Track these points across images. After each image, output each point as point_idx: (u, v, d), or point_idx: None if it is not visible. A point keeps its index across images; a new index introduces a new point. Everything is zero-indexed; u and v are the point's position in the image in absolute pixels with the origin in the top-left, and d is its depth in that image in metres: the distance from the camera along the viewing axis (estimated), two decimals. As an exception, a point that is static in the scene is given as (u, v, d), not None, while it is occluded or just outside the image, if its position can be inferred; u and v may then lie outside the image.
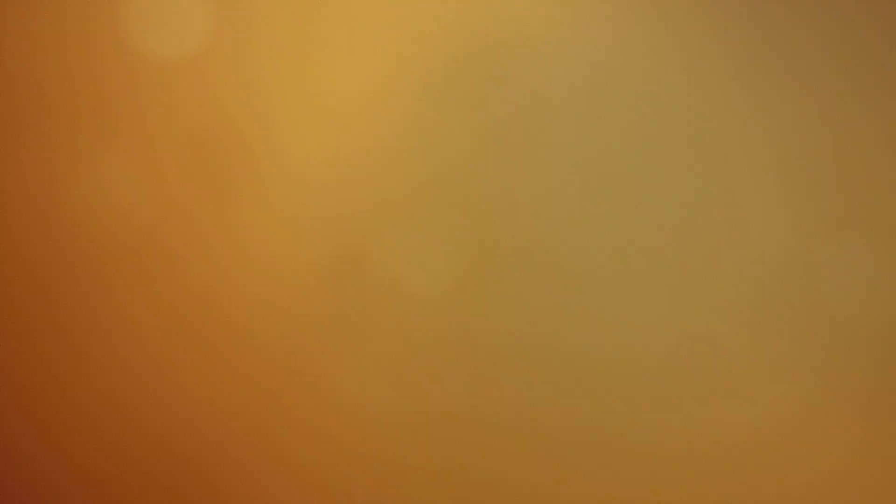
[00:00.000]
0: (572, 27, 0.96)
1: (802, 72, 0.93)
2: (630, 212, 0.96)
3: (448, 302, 1.00)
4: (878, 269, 0.93)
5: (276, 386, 1.04)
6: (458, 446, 1.01)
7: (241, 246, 1.03)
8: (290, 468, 1.04)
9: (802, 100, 0.93)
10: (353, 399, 1.02)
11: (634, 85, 0.96)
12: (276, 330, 1.03)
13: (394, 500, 1.01)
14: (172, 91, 1.03)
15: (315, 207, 1.01)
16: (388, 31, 0.99)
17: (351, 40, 0.99)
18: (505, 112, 0.97)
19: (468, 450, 1.01)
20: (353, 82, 1.00)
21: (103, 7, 1.04)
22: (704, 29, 0.95)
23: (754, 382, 0.96)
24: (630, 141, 0.97)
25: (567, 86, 0.97)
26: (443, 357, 1.00)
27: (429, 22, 0.98)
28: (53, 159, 1.06)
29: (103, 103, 1.05)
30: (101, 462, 1.08)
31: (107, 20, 1.04)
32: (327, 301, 1.02)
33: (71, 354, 1.08)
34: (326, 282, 1.02)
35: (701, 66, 0.95)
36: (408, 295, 1.00)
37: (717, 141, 0.95)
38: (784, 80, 0.93)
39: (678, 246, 0.96)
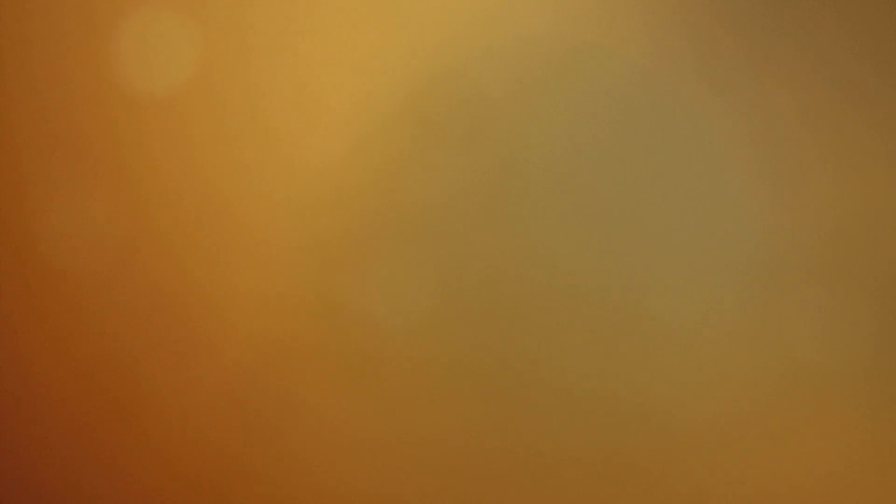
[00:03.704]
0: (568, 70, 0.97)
1: (788, 83, 0.94)
2: (620, 241, 0.97)
3: (434, 330, 1.00)
4: (876, 274, 0.93)
5: (262, 413, 1.03)
6: (441, 472, 1.01)
7: (218, 278, 1.03)
8: (283, 476, 1.04)
9: (792, 116, 0.94)
10: (340, 427, 1.02)
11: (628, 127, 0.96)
12: (257, 359, 1.03)
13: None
14: (148, 128, 1.04)
15: (290, 242, 1.02)
16: (371, 68, 1.00)
17: (331, 76, 1.01)
18: (495, 148, 0.98)
19: (451, 475, 1.01)
20: (331, 120, 1.01)
21: (82, 41, 1.05)
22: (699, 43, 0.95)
23: (747, 387, 0.96)
24: (622, 180, 0.97)
25: (558, 129, 0.97)
26: (426, 386, 1.01)
27: (413, 60, 1.00)
28: (30, 189, 1.06)
29: (78, 137, 1.05)
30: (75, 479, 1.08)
31: (85, 55, 1.05)
32: (309, 331, 1.02)
33: (42, 384, 1.08)
34: (307, 312, 1.02)
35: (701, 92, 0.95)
36: (391, 324, 1.00)
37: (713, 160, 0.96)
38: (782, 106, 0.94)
39: (671, 268, 0.96)
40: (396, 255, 1.00)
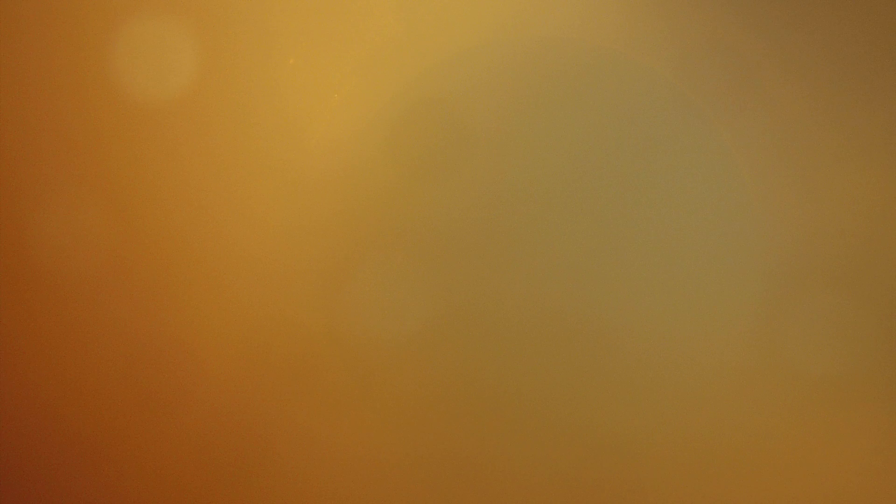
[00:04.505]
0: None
1: (802, 78, 0.93)
2: (625, 248, 0.97)
3: (426, 350, 1.00)
4: (876, 268, 0.92)
5: (255, 429, 1.03)
6: (437, 488, 1.02)
7: (210, 292, 1.03)
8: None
9: (804, 110, 0.93)
10: (332, 443, 1.02)
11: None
12: (249, 374, 1.03)
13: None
14: (140, 141, 1.04)
15: (281, 258, 1.02)
16: (364, 87, 1.01)
17: (326, 93, 1.02)
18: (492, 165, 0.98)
19: (447, 492, 1.01)
20: (326, 134, 1.02)
21: (74, 50, 1.06)
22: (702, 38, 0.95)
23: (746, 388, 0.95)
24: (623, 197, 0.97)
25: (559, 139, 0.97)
26: (420, 406, 1.01)
27: (406, 80, 1.00)
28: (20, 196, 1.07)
29: (70, 146, 1.06)
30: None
31: (77, 64, 1.06)
32: (302, 347, 1.02)
33: (31, 392, 1.08)
34: (300, 328, 1.02)
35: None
36: (382, 345, 1.01)
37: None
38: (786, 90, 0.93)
39: (678, 276, 0.96)
40: (388, 275, 1.00)
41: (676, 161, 0.96)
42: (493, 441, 1.00)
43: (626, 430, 0.97)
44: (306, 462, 1.03)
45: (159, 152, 1.05)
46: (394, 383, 1.00)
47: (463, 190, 0.99)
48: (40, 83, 1.07)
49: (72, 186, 1.06)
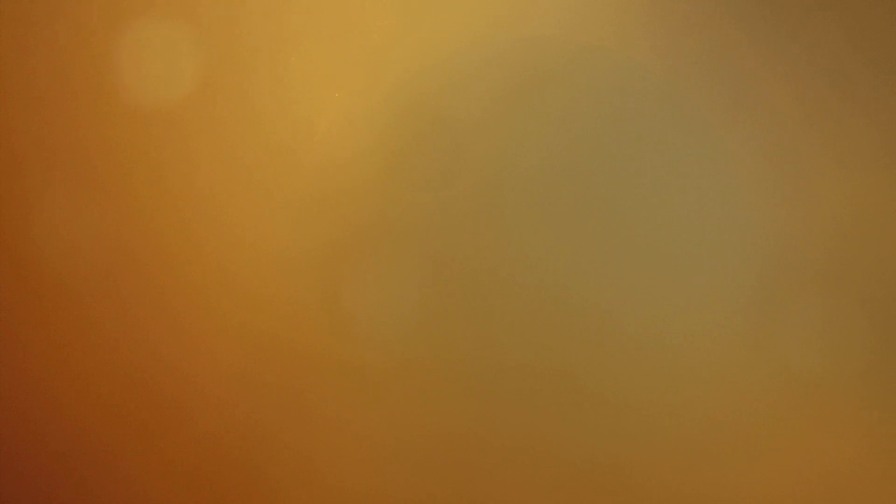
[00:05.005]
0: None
1: (792, 84, 0.93)
2: (618, 245, 0.96)
3: (427, 333, 1.00)
4: (881, 278, 0.92)
5: (261, 415, 1.04)
6: (439, 470, 1.01)
7: (217, 281, 1.03)
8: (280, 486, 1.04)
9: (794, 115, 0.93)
10: (337, 426, 1.02)
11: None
12: (256, 361, 1.03)
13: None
14: (145, 132, 1.04)
15: (286, 246, 1.02)
16: (362, 81, 1.01)
17: (325, 85, 1.01)
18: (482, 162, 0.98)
19: (448, 474, 1.01)
20: (328, 126, 1.01)
21: (83, 52, 1.06)
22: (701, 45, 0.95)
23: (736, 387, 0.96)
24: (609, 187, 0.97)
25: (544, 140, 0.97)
26: (421, 387, 1.00)
27: (403, 75, 1.00)
28: (27, 199, 1.07)
29: (78, 146, 1.06)
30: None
31: (86, 65, 1.05)
32: (306, 332, 1.02)
33: (41, 389, 1.08)
34: (304, 315, 1.02)
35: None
36: (385, 327, 1.00)
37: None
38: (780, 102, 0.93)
39: (670, 273, 0.96)
40: (390, 259, 1.00)
41: (669, 160, 0.96)
42: (490, 428, 1.00)
43: (623, 427, 0.97)
44: (311, 442, 1.02)
45: (169, 150, 1.05)
46: (394, 369, 1.00)
47: (462, 178, 0.99)
48: (53, 84, 1.07)
49: (82, 184, 1.06)
